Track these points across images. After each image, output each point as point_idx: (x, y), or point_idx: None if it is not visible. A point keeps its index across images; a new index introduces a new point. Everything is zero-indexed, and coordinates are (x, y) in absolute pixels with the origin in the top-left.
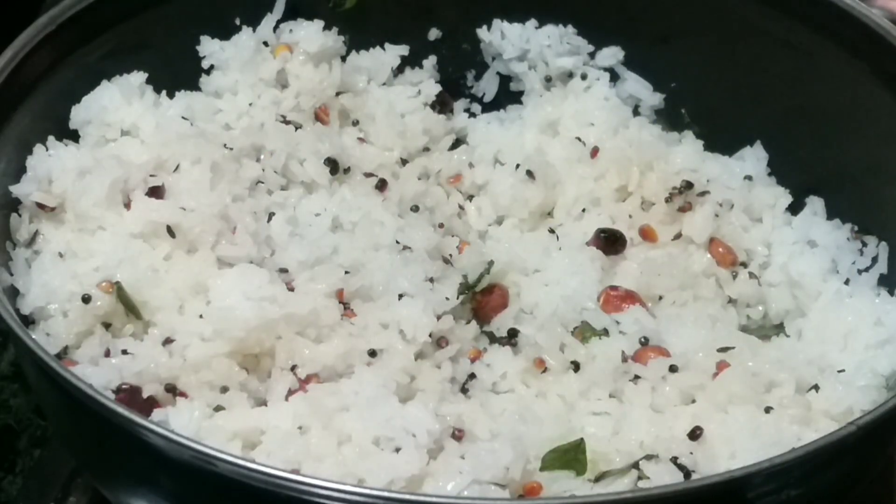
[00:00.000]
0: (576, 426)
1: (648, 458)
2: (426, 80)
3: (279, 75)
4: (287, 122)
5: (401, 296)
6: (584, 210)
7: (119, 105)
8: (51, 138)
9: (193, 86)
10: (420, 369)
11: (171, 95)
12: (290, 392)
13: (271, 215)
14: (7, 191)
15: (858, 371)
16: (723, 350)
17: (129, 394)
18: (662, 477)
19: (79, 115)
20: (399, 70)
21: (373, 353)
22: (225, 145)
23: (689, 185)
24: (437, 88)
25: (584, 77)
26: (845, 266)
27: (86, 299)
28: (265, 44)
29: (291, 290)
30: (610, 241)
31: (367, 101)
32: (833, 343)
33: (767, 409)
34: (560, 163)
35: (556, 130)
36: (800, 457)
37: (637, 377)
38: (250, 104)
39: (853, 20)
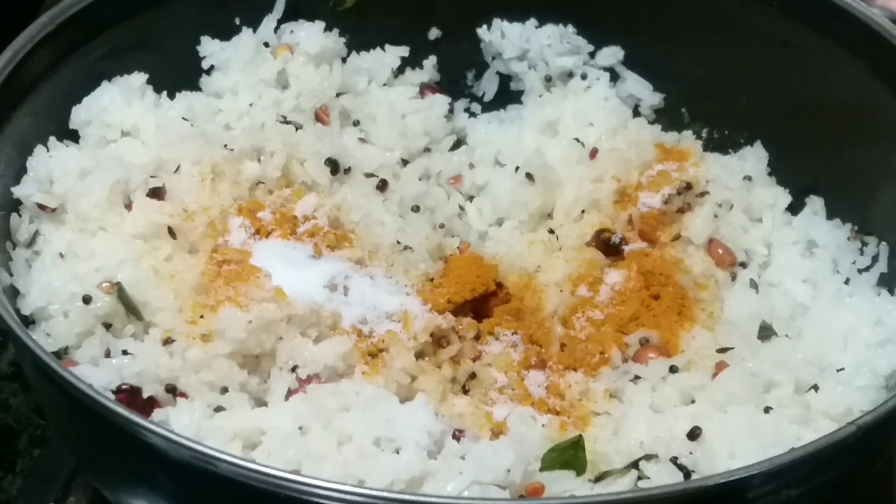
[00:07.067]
0: (576, 426)
1: (648, 458)
2: (426, 81)
3: (280, 76)
4: (287, 123)
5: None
6: (583, 211)
7: (119, 106)
8: (51, 139)
9: (194, 86)
10: (420, 369)
11: (171, 96)
12: (291, 392)
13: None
14: (7, 191)
15: (858, 371)
16: (722, 350)
17: (130, 394)
18: (662, 477)
19: (79, 115)
20: (399, 70)
21: (373, 354)
22: (225, 146)
23: (688, 186)
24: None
25: (584, 77)
26: (845, 266)
27: (86, 300)
28: (266, 44)
29: None
30: (609, 242)
31: (367, 101)
32: (833, 343)
33: (767, 409)
34: (559, 164)
35: (556, 131)
36: (800, 457)
37: (637, 377)
38: (251, 105)
39: (853, 19)
